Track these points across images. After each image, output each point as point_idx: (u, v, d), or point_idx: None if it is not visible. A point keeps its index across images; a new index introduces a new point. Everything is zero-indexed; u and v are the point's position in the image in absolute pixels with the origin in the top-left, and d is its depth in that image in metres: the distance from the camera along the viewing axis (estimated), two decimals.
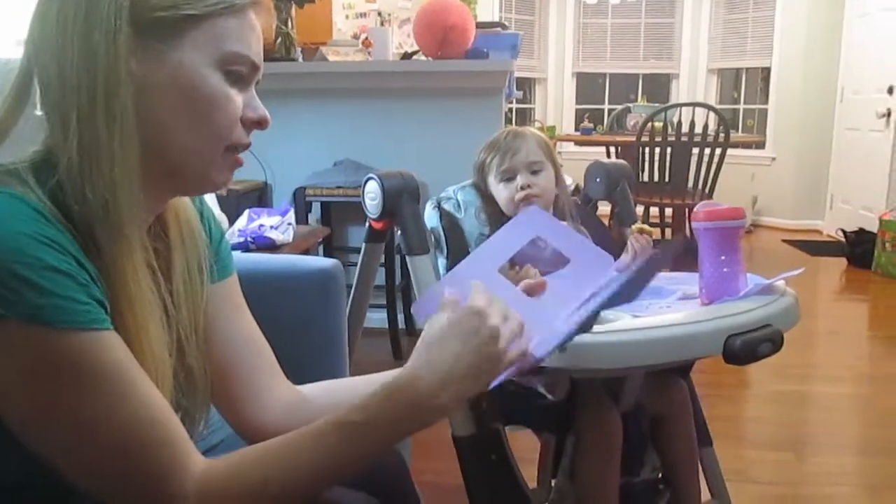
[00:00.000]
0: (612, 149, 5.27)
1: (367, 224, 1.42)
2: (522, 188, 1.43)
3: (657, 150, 4.54)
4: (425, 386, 0.69)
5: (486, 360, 0.71)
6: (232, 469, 0.68)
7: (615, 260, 0.98)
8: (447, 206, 1.51)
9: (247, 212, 2.30)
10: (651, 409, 1.38)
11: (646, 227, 1.45)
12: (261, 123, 0.75)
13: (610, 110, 6.83)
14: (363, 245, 1.48)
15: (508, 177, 1.45)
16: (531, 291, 0.86)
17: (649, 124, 4.44)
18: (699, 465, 1.45)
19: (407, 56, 3.22)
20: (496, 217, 1.45)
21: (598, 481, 1.30)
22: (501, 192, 1.45)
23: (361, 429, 0.69)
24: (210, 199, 1.39)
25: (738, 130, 6.58)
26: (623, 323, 1.07)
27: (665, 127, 4.45)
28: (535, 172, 1.45)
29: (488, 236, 1.42)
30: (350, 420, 0.69)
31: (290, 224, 2.27)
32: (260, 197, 3.12)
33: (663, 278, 1.37)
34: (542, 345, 0.74)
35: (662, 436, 1.39)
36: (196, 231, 0.82)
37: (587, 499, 1.32)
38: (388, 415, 0.69)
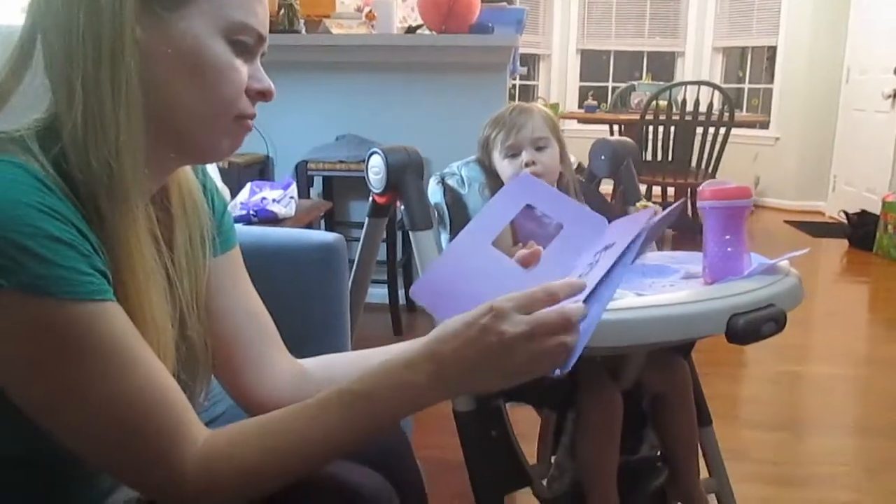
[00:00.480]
0: (616, 127, 5.26)
1: (370, 199, 1.42)
2: (527, 164, 1.42)
3: (661, 128, 4.52)
4: (425, 377, 0.68)
5: (492, 367, 0.68)
6: (233, 439, 0.68)
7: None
8: (451, 182, 1.50)
9: (249, 185, 2.29)
10: (652, 387, 1.38)
11: (650, 203, 1.44)
12: (265, 95, 0.75)
13: (614, 88, 6.79)
14: (366, 219, 1.47)
15: (513, 153, 1.44)
16: (525, 262, 0.85)
17: (653, 103, 4.42)
18: (698, 444, 1.46)
19: (411, 30, 3.19)
20: None
21: (598, 458, 1.30)
22: (506, 169, 1.45)
23: (361, 400, 0.69)
24: (212, 172, 1.38)
25: (742, 110, 6.55)
26: (626, 301, 1.06)
27: (669, 105, 4.43)
28: (539, 149, 1.44)
29: None
30: (351, 389, 0.69)
31: (292, 198, 2.26)
32: (261, 170, 3.11)
33: (666, 257, 1.37)
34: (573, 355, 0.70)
35: (662, 415, 1.40)
36: (199, 203, 0.82)
37: (587, 476, 1.33)
38: (387, 391, 0.69)
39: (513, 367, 0.67)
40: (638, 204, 1.47)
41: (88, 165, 0.63)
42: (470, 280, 0.82)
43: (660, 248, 1.55)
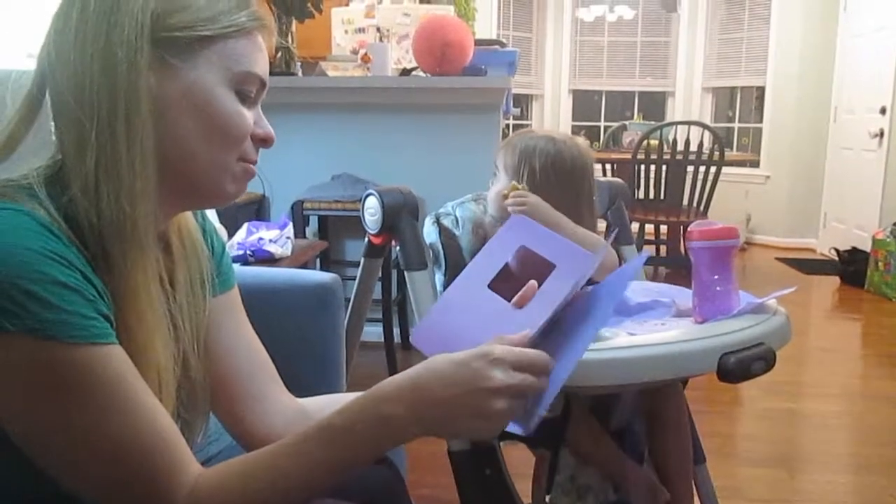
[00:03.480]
0: (608, 166, 5.31)
1: (366, 239, 1.44)
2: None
3: (653, 167, 4.57)
4: (406, 412, 0.68)
5: (474, 413, 0.67)
6: (219, 480, 0.69)
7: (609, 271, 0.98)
8: (446, 222, 1.52)
9: (246, 225, 2.31)
10: (646, 406, 1.38)
11: (515, 183, 1.38)
12: (266, 141, 0.78)
13: (606, 127, 6.87)
14: (362, 260, 1.49)
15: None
16: (520, 301, 0.86)
17: (645, 142, 4.47)
18: (693, 482, 1.46)
19: (406, 72, 3.25)
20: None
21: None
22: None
23: (341, 434, 0.69)
24: (210, 212, 1.40)
25: (732, 149, 6.63)
26: (618, 341, 1.08)
27: (660, 145, 4.49)
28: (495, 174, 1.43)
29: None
30: (332, 425, 0.69)
31: (288, 238, 2.28)
32: (258, 210, 3.13)
33: (653, 290, 1.38)
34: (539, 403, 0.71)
35: (657, 437, 1.39)
36: (198, 245, 0.84)
37: None
38: (368, 426, 0.69)
39: (492, 413, 0.67)
40: (507, 187, 1.40)
41: (101, 212, 0.64)
42: (467, 324, 0.83)
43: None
